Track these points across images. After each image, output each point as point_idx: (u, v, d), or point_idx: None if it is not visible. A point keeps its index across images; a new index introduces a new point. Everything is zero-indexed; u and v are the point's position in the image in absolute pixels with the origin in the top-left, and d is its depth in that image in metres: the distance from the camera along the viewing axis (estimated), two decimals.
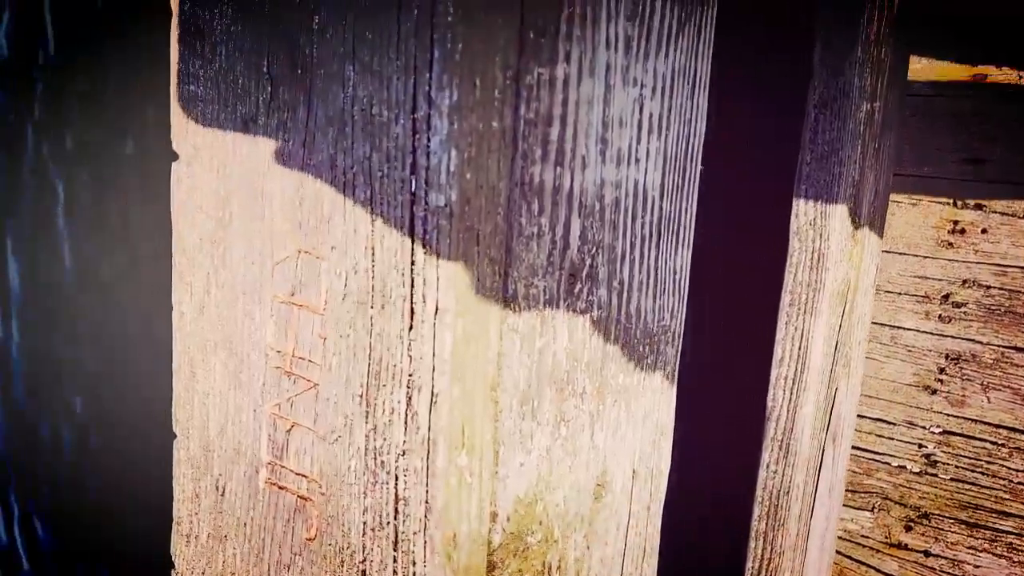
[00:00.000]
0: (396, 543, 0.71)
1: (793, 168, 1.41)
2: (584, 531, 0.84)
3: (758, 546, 1.48)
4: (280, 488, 0.79)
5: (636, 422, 0.88)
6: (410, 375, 0.68)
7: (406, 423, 0.68)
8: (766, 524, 1.44)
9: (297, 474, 0.78)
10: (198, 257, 0.83)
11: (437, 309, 0.65)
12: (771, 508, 1.44)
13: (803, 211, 1.34)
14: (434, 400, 0.67)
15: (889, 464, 2.18)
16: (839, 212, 1.34)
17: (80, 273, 1.07)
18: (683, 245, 0.88)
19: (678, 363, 0.92)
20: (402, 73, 0.64)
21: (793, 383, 1.39)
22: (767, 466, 1.44)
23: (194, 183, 0.82)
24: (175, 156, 0.85)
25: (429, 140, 0.64)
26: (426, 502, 0.68)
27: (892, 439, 2.18)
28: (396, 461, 0.69)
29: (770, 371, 1.59)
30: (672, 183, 0.85)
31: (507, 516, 0.75)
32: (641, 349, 0.86)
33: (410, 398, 0.68)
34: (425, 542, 0.69)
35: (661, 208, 0.84)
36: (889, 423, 2.19)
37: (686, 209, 0.87)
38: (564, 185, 0.73)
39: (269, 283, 0.77)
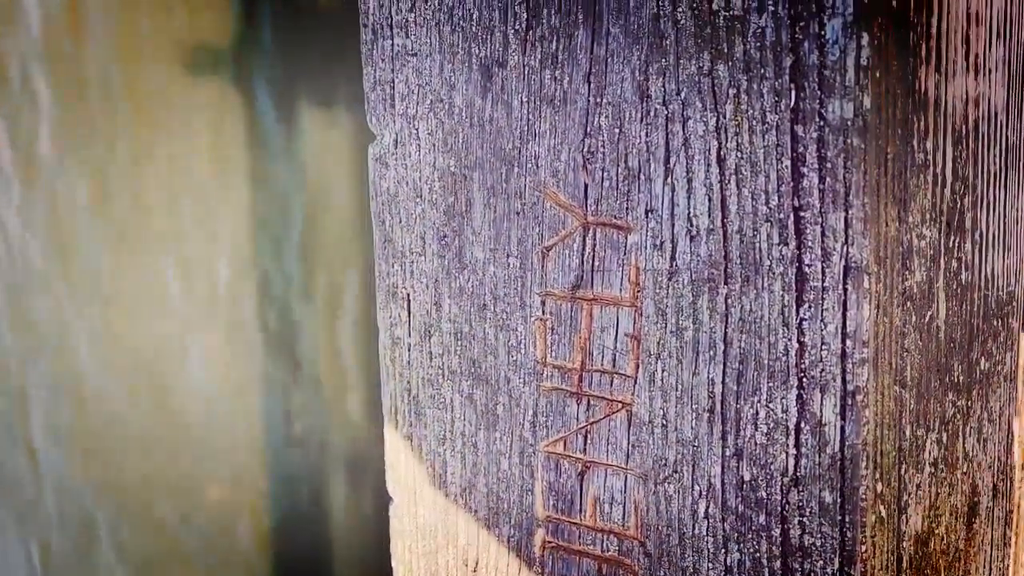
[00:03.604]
0: None
1: None
2: (960, 573, 0.64)
3: None
4: (571, 553, 0.59)
5: (994, 423, 0.67)
6: (802, 369, 0.48)
7: (798, 440, 0.48)
8: None
9: (600, 531, 0.57)
10: (420, 262, 0.64)
11: (847, 268, 0.46)
12: None
13: None
14: (849, 402, 0.47)
15: None
16: None
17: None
18: None
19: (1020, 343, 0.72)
20: None
21: None
22: None
23: (408, 166, 0.63)
24: (371, 137, 0.66)
25: (823, 25, 0.45)
26: (843, 550, 0.48)
27: None
28: (783, 497, 0.49)
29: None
30: (1015, 104, 0.65)
31: (908, 561, 0.55)
32: (995, 324, 0.66)
33: (803, 403, 0.48)
34: None
35: (1006, 137, 0.65)
36: None
37: None
38: (941, 98, 0.54)
39: (537, 277, 0.58)
